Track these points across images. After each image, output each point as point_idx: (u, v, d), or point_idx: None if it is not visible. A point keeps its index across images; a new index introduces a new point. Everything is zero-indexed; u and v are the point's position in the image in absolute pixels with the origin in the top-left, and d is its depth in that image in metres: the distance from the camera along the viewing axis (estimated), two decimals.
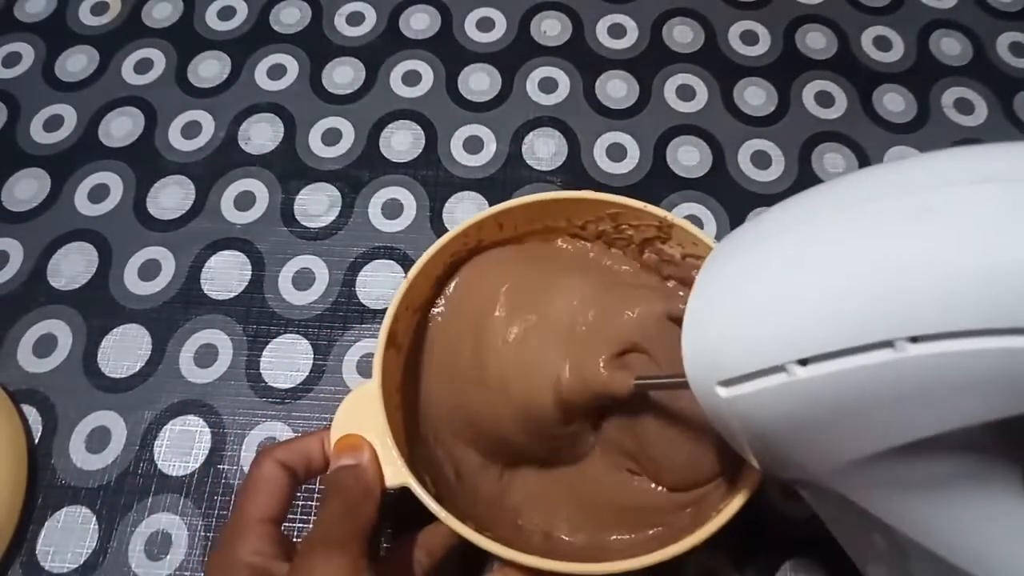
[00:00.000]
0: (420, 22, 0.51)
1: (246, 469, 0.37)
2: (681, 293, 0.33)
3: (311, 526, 0.27)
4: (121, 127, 0.47)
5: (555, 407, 0.30)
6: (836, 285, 0.17)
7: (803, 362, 0.18)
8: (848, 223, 0.18)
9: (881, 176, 0.19)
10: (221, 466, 0.37)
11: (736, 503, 0.26)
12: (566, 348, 0.30)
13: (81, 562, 0.35)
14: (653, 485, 0.32)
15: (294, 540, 0.28)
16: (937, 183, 0.17)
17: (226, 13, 0.51)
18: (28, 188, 0.45)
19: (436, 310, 0.34)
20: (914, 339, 0.16)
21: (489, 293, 0.33)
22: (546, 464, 0.33)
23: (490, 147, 0.46)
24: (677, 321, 0.29)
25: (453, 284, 0.34)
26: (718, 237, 0.43)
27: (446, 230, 0.43)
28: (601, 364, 0.29)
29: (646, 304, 0.31)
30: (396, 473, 0.27)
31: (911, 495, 0.19)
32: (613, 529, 0.31)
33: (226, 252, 0.43)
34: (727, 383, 0.20)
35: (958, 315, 0.16)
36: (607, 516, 0.31)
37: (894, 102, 0.47)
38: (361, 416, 0.29)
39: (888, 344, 0.16)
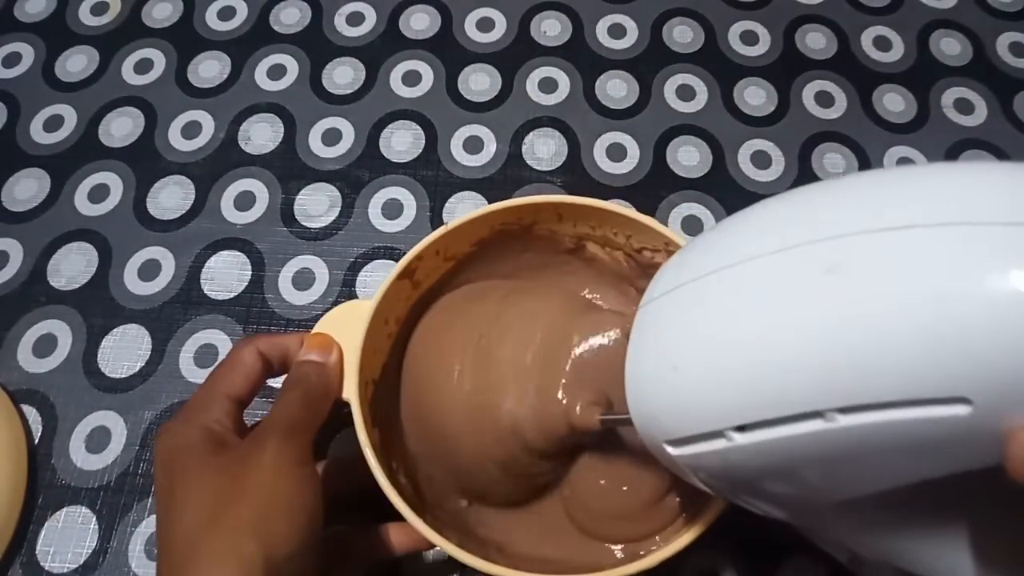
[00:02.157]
0: (420, 22, 0.51)
1: None
2: None
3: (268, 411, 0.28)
4: (121, 127, 0.47)
5: (520, 447, 0.29)
6: (764, 353, 0.18)
7: (740, 428, 0.18)
8: (766, 280, 0.18)
9: (796, 215, 0.19)
10: None
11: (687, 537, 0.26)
12: (527, 385, 0.30)
13: (81, 562, 0.35)
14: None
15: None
16: (839, 231, 0.17)
17: (226, 13, 0.51)
18: (28, 188, 0.45)
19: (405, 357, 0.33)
20: (843, 410, 0.16)
21: (455, 333, 0.32)
22: (511, 504, 0.32)
23: (490, 147, 0.46)
24: None
25: (414, 334, 0.33)
26: None
27: None
28: (564, 400, 0.29)
29: (604, 330, 0.30)
30: (350, 387, 0.29)
31: (867, 534, 0.20)
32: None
33: (226, 252, 0.43)
34: (672, 443, 0.20)
35: (880, 387, 0.16)
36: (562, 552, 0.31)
37: (894, 102, 0.47)
38: (347, 323, 0.30)
39: (819, 415, 0.16)
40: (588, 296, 0.35)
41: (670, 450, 0.20)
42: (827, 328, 0.16)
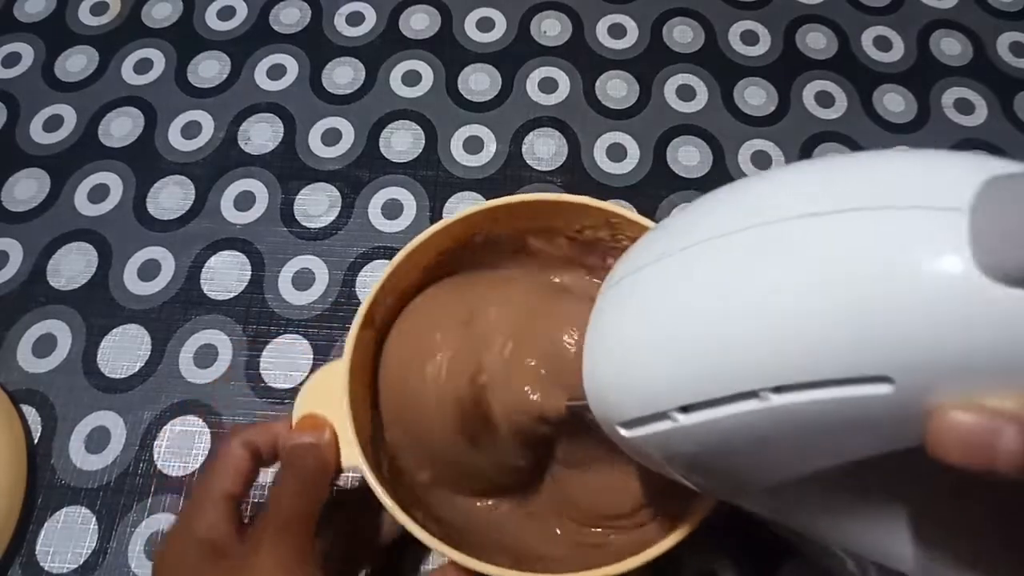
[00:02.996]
0: (420, 22, 0.51)
1: None
2: None
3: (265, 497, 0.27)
4: (121, 127, 0.47)
5: (495, 436, 0.29)
6: (702, 334, 0.18)
7: (684, 409, 0.18)
8: (704, 264, 0.19)
9: (735, 202, 0.19)
10: None
11: (675, 536, 0.26)
12: (498, 375, 0.30)
13: (81, 562, 0.35)
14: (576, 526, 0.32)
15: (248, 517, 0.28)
16: (774, 216, 0.17)
17: (226, 13, 0.51)
18: (28, 188, 0.45)
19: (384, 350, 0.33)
20: (777, 389, 0.16)
21: (433, 323, 0.32)
22: (494, 494, 0.32)
23: (490, 147, 0.46)
24: None
25: (395, 326, 0.33)
26: None
27: None
28: (529, 387, 0.29)
29: (571, 319, 0.30)
30: (351, 455, 0.28)
31: (816, 518, 0.20)
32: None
33: (226, 252, 0.43)
34: (624, 425, 0.21)
35: (809, 366, 0.16)
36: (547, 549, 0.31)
37: (894, 102, 0.47)
38: (328, 393, 0.29)
39: (754, 394, 0.17)
40: (568, 284, 0.35)
41: (623, 432, 0.21)
42: (759, 309, 0.17)
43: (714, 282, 0.18)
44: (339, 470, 0.29)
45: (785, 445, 0.18)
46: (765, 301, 0.17)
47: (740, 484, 0.21)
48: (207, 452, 0.38)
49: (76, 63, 0.49)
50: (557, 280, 0.35)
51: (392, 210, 0.44)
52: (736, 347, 0.17)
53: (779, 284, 0.17)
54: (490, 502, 0.32)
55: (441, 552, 0.26)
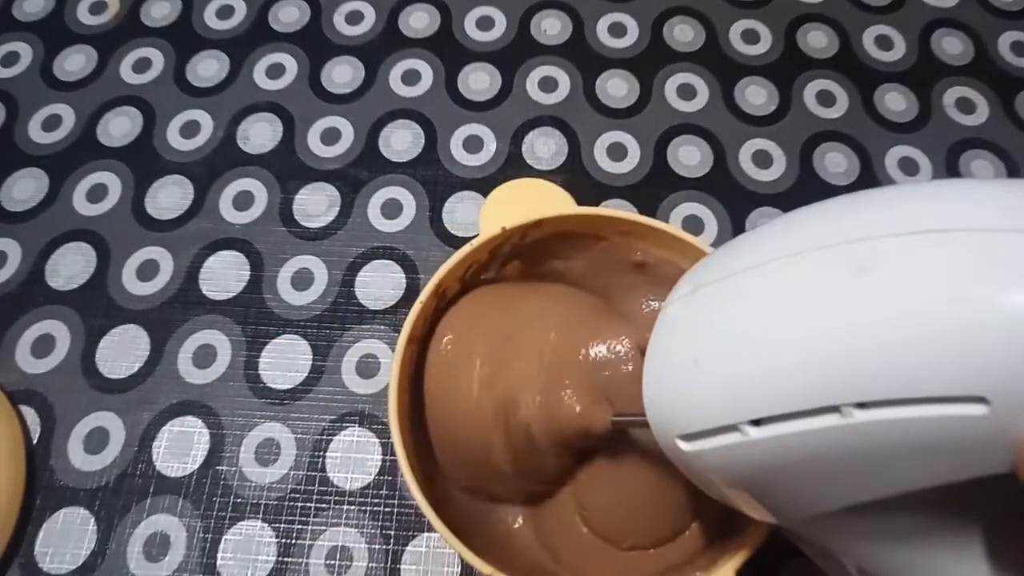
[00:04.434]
0: (420, 21, 0.50)
1: (245, 470, 0.37)
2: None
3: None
4: (120, 127, 0.47)
5: (530, 447, 0.29)
6: (784, 347, 0.18)
7: (756, 422, 0.18)
8: (792, 278, 0.18)
9: (824, 220, 0.19)
10: (220, 467, 0.37)
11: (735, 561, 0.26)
12: (538, 386, 0.29)
13: (79, 563, 0.35)
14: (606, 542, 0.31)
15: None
16: (871, 233, 0.17)
17: (225, 12, 0.51)
18: (26, 188, 0.45)
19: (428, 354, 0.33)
20: (861, 405, 0.16)
21: (475, 332, 0.32)
22: (527, 501, 0.32)
23: (490, 147, 0.46)
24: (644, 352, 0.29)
25: (437, 330, 0.33)
26: (719, 237, 0.43)
27: (446, 230, 0.43)
28: (574, 400, 0.28)
29: (613, 337, 0.30)
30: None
31: (879, 545, 0.19)
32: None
33: (225, 252, 0.43)
34: (686, 438, 0.20)
35: (902, 382, 0.16)
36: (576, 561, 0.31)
37: (895, 101, 0.47)
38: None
39: (835, 409, 0.16)
40: (625, 306, 0.35)
41: (683, 445, 0.20)
42: (849, 323, 0.16)
43: (800, 294, 0.18)
44: None
45: (861, 466, 0.17)
46: (854, 314, 0.16)
47: (799, 506, 0.20)
48: (206, 452, 0.37)
49: (75, 62, 0.49)
50: (617, 303, 0.34)
51: (392, 210, 0.44)
52: (819, 359, 0.17)
53: (872, 297, 0.16)
54: (512, 508, 0.32)
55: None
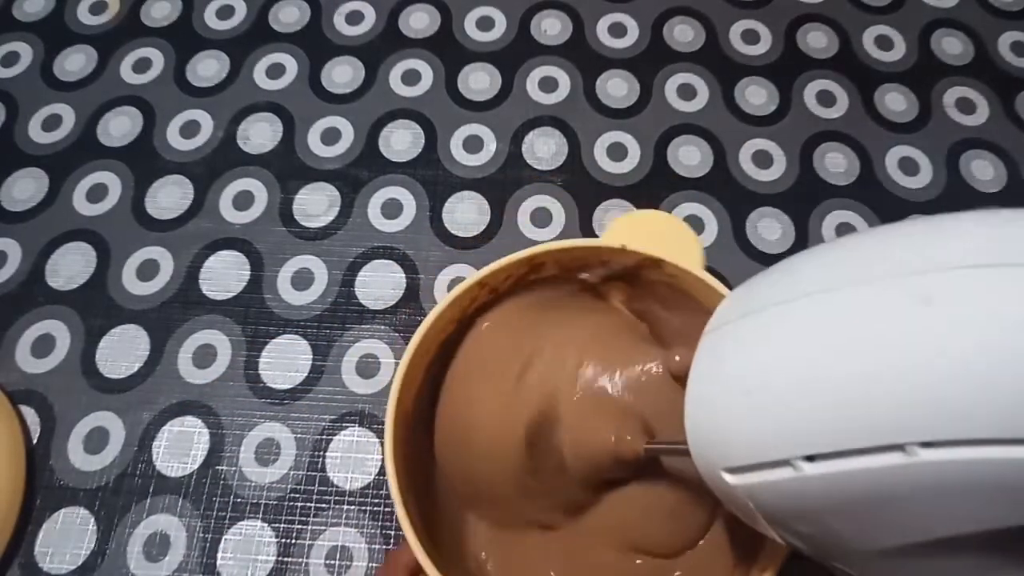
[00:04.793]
0: (420, 21, 0.50)
1: (244, 470, 0.37)
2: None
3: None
4: (120, 127, 0.47)
5: (558, 474, 0.29)
6: (843, 382, 0.17)
7: (810, 458, 0.17)
8: (849, 309, 0.18)
9: (884, 248, 0.18)
10: (220, 467, 0.37)
11: None
12: (569, 411, 0.29)
13: (79, 563, 0.35)
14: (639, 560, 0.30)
15: None
16: (936, 265, 0.16)
17: (225, 12, 0.51)
18: (26, 188, 0.45)
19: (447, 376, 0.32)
20: (927, 444, 0.15)
21: (501, 355, 0.31)
22: (545, 527, 0.31)
23: (490, 147, 0.46)
24: (676, 378, 0.28)
25: (477, 330, 0.32)
26: (719, 237, 0.43)
27: (446, 230, 0.43)
28: (607, 429, 0.28)
29: (643, 362, 0.29)
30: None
31: None
32: None
33: (225, 252, 0.43)
34: (732, 471, 0.20)
35: (972, 422, 0.15)
36: None
37: (895, 101, 0.47)
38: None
39: (899, 447, 0.16)
40: (636, 323, 0.34)
41: (728, 478, 0.20)
42: (917, 358, 0.16)
43: (861, 326, 0.17)
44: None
45: (921, 506, 0.16)
46: (921, 349, 0.16)
47: (850, 544, 0.19)
48: (205, 452, 0.37)
49: (75, 62, 0.49)
50: (638, 320, 0.34)
51: (392, 210, 0.44)
52: (883, 393, 0.16)
53: (940, 332, 0.16)
54: (535, 534, 0.31)
55: None
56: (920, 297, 0.16)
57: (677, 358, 0.28)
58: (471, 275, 0.29)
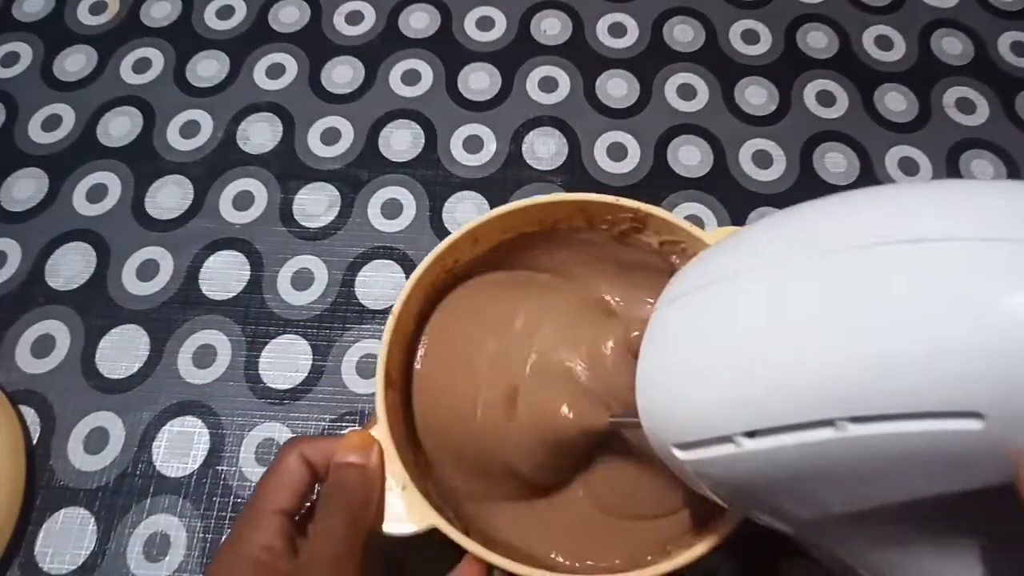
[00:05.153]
0: (419, 21, 0.50)
1: (244, 470, 0.37)
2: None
3: (312, 525, 0.26)
4: (119, 127, 0.47)
5: (534, 445, 0.29)
6: (779, 358, 0.17)
7: (750, 434, 0.18)
8: (784, 284, 0.18)
9: (822, 222, 0.19)
10: (220, 467, 0.37)
11: (706, 543, 0.25)
12: (539, 385, 0.30)
13: (79, 563, 0.35)
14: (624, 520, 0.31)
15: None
16: (869, 240, 0.17)
17: (225, 12, 0.51)
18: (26, 188, 0.45)
19: (420, 350, 0.33)
20: (856, 419, 0.16)
21: (461, 333, 0.32)
22: (523, 496, 0.32)
23: (490, 147, 0.46)
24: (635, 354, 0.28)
25: (430, 323, 0.33)
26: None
27: (446, 230, 0.43)
28: (567, 405, 0.29)
29: (605, 337, 0.30)
30: (422, 514, 0.26)
31: (874, 549, 0.19)
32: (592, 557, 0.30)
33: (225, 252, 0.43)
34: (681, 446, 0.20)
35: (897, 397, 0.15)
36: (584, 547, 0.31)
37: (895, 101, 0.47)
38: None
39: (830, 423, 0.16)
40: (612, 300, 0.34)
41: (678, 453, 0.20)
42: (845, 335, 0.16)
43: (795, 303, 0.18)
44: (382, 491, 0.27)
45: (855, 477, 0.17)
46: (850, 327, 0.16)
47: (794, 513, 0.20)
48: (205, 452, 0.38)
49: (75, 62, 0.49)
50: (605, 296, 0.34)
51: (392, 210, 0.44)
52: (814, 372, 0.17)
53: (866, 311, 0.16)
54: (516, 504, 0.32)
55: (502, 567, 0.25)
56: (846, 273, 0.17)
57: (635, 334, 0.28)
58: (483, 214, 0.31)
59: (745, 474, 0.19)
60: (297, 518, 0.27)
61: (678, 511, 0.30)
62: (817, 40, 0.50)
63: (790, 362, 0.17)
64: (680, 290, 0.22)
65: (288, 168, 0.45)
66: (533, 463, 0.30)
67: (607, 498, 0.31)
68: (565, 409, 0.29)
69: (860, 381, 0.16)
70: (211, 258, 0.42)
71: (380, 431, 0.27)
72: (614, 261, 0.33)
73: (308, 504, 0.27)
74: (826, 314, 0.17)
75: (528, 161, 0.45)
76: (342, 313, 0.41)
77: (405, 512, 0.27)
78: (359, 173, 0.45)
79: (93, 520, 0.36)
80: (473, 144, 0.46)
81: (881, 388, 0.16)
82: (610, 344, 0.30)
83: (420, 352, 0.32)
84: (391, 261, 0.42)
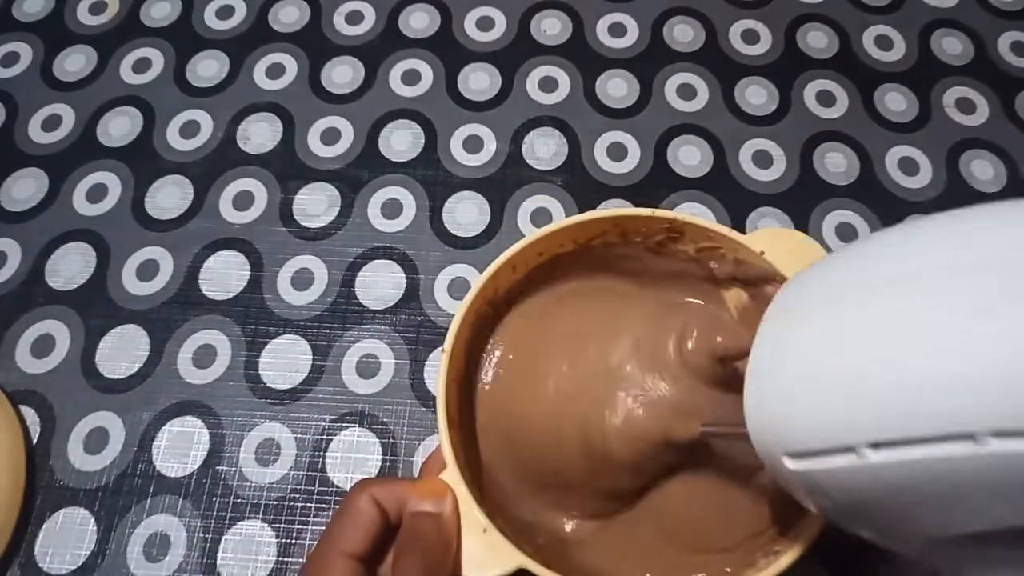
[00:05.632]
0: (419, 21, 0.50)
1: (244, 470, 0.37)
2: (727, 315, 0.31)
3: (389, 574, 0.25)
4: (119, 127, 0.47)
5: (606, 460, 0.29)
6: (914, 366, 0.17)
7: (875, 445, 0.17)
8: (920, 297, 0.17)
9: (958, 238, 0.18)
10: (220, 467, 0.37)
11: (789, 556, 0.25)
12: (616, 396, 0.29)
13: (79, 563, 0.35)
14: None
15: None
16: (1013, 259, 0.16)
17: (225, 12, 0.51)
18: (26, 188, 0.45)
19: (483, 378, 0.32)
20: (998, 433, 0.15)
21: (532, 349, 0.31)
22: (599, 515, 0.31)
23: (490, 147, 0.46)
24: (723, 360, 0.28)
25: (496, 350, 0.32)
26: None
27: (446, 230, 0.43)
28: (654, 412, 0.28)
29: (694, 342, 0.29)
30: (507, 555, 0.25)
31: (989, 571, 0.18)
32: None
33: (225, 252, 0.43)
34: (794, 455, 0.19)
35: None
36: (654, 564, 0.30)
37: (895, 101, 0.47)
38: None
39: (969, 436, 0.15)
40: (687, 300, 0.34)
41: (789, 463, 0.19)
42: (997, 342, 0.15)
43: (938, 309, 0.17)
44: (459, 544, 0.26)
45: (990, 496, 0.16)
46: (1002, 336, 0.15)
47: (907, 530, 0.19)
48: (205, 452, 0.37)
49: (75, 63, 0.49)
50: (685, 299, 0.33)
51: (392, 210, 0.44)
52: (956, 381, 0.16)
53: (1012, 324, 0.15)
54: (587, 523, 0.31)
55: None
56: (1000, 285, 0.16)
57: (719, 339, 0.28)
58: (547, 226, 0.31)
59: (863, 487, 0.18)
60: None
61: (742, 544, 0.29)
62: (817, 40, 0.50)
63: (933, 369, 0.16)
64: (799, 298, 0.21)
65: (288, 168, 0.45)
66: (622, 477, 0.29)
67: (671, 524, 0.30)
68: (652, 419, 0.28)
69: (1007, 392, 0.15)
70: (211, 258, 0.42)
71: (450, 474, 0.26)
72: (651, 272, 0.33)
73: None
74: (981, 320, 0.16)
75: (528, 161, 0.45)
76: (342, 313, 0.41)
77: (488, 555, 0.25)
78: (359, 173, 0.45)
79: (93, 520, 0.36)
80: (473, 144, 0.46)
81: None
82: (698, 350, 0.29)
83: (489, 376, 0.32)
84: (391, 261, 0.42)
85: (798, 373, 0.19)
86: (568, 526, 0.31)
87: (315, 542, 0.35)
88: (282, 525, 0.36)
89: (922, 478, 0.17)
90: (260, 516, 0.36)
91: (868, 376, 0.17)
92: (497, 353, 0.32)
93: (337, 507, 0.26)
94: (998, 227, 0.17)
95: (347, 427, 0.38)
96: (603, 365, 0.30)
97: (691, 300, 0.33)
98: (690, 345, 0.29)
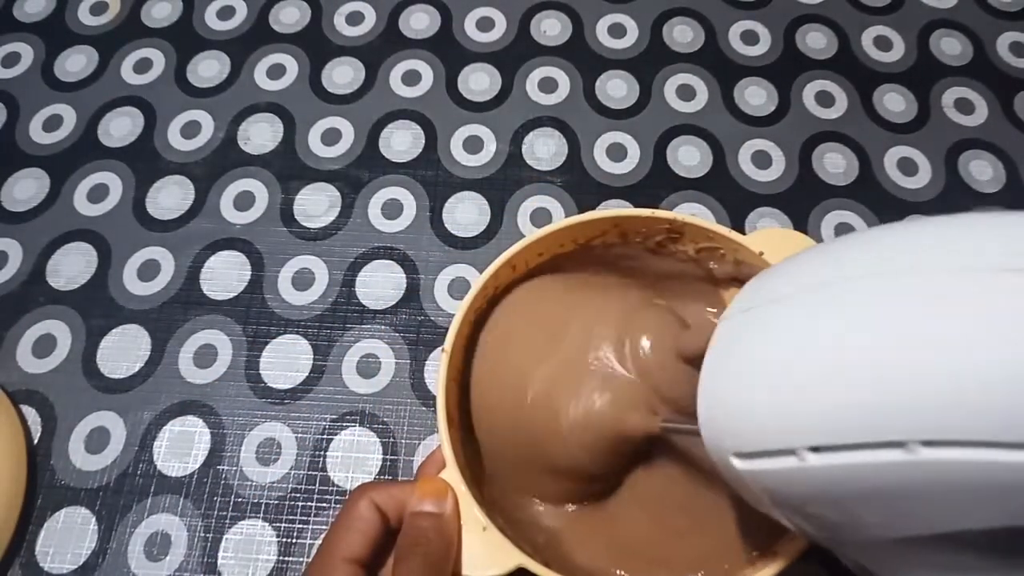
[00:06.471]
0: (420, 22, 0.50)
1: (245, 470, 0.37)
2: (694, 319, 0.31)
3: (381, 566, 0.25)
4: (120, 127, 0.47)
5: (577, 450, 0.29)
6: (851, 375, 0.17)
7: (815, 449, 0.18)
8: (862, 303, 0.18)
9: (906, 243, 0.18)
10: (220, 467, 0.37)
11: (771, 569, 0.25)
12: (588, 386, 0.29)
13: (80, 563, 0.35)
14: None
15: None
16: (953, 265, 0.16)
17: (225, 13, 0.51)
18: (27, 188, 0.45)
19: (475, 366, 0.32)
20: (928, 443, 0.15)
21: (529, 327, 0.31)
22: (573, 499, 0.31)
23: (490, 147, 0.46)
24: (688, 360, 0.28)
25: (483, 338, 0.32)
26: None
27: (446, 230, 0.43)
28: (612, 405, 0.28)
29: (662, 337, 0.29)
30: (506, 554, 0.25)
31: (927, 574, 0.19)
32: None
33: (225, 252, 0.43)
34: (741, 456, 0.20)
35: (974, 423, 0.15)
36: (627, 559, 0.30)
37: (894, 102, 0.47)
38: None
39: (900, 444, 0.16)
40: (659, 301, 0.34)
41: (736, 463, 0.20)
42: (929, 355, 0.16)
43: (877, 320, 0.17)
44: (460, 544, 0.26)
45: (921, 502, 0.17)
46: (930, 349, 0.16)
47: (849, 532, 0.19)
48: (206, 452, 0.38)
49: (75, 63, 0.49)
50: (660, 302, 0.34)
51: (392, 210, 0.44)
52: (889, 390, 0.16)
53: (954, 334, 0.16)
54: (586, 519, 0.31)
55: None
56: (933, 296, 0.16)
57: (689, 338, 0.28)
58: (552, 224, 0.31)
59: (805, 489, 0.19)
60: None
61: (740, 538, 0.29)
62: (816, 40, 0.50)
63: (864, 378, 0.17)
64: (755, 299, 0.21)
65: (289, 168, 0.45)
66: (583, 463, 0.29)
67: (656, 509, 0.30)
68: (608, 412, 0.28)
69: (942, 403, 0.15)
70: (212, 258, 0.42)
71: (450, 473, 0.27)
72: (651, 272, 0.33)
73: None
74: (914, 331, 0.16)
75: (528, 161, 0.45)
76: (343, 313, 0.41)
77: (487, 555, 0.25)
78: (359, 173, 0.45)
79: (94, 520, 0.36)
80: (473, 144, 0.46)
81: (962, 413, 0.15)
82: (663, 347, 0.29)
83: (476, 369, 0.32)
84: (391, 261, 0.42)
85: (745, 374, 0.20)
86: (565, 521, 0.31)
87: (316, 541, 0.35)
88: (283, 525, 0.36)
89: (859, 482, 0.17)
90: (261, 516, 0.36)
91: (808, 381, 0.18)
92: (490, 340, 0.32)
93: (337, 511, 0.27)
94: (926, 240, 0.18)
95: (347, 427, 0.38)
96: (578, 357, 0.30)
97: (659, 302, 0.33)
98: (655, 343, 0.29)
